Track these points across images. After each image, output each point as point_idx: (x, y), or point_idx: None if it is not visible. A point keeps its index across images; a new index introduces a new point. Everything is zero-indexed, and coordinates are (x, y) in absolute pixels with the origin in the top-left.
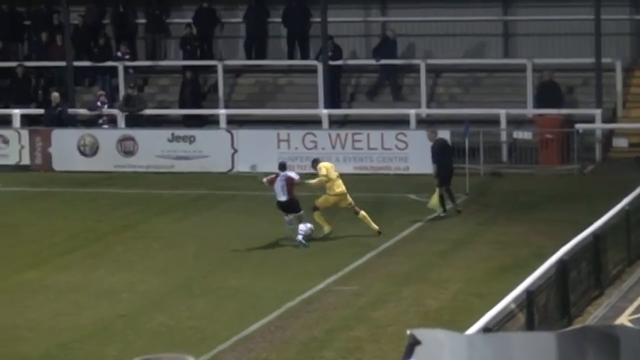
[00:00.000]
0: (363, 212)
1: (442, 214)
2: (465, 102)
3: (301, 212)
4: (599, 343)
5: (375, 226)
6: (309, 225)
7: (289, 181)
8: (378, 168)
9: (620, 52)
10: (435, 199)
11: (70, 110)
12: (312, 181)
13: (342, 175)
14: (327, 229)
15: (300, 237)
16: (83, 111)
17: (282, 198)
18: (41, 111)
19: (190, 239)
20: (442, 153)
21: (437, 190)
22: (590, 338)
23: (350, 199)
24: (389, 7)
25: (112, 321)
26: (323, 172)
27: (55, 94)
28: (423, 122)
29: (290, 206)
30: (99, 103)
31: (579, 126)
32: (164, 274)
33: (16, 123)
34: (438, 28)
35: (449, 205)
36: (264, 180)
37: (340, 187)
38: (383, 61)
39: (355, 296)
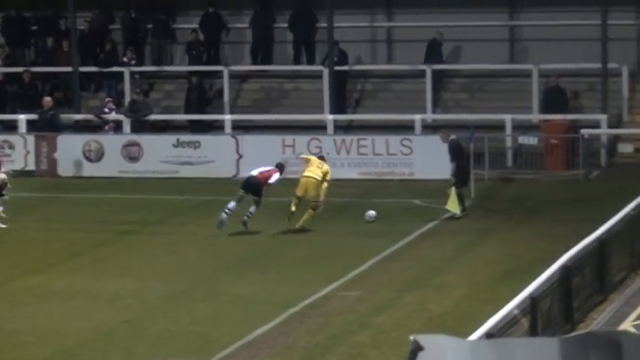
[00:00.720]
0: (311, 211)
1: (459, 215)
2: (471, 107)
3: (260, 199)
4: (602, 349)
5: (300, 224)
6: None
7: (268, 174)
8: (382, 173)
9: (626, 58)
10: (453, 200)
11: (77, 116)
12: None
13: (324, 174)
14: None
15: (246, 217)
16: (87, 116)
17: (254, 173)
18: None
19: (194, 245)
20: (460, 152)
21: (453, 190)
22: (593, 344)
23: (316, 195)
24: (395, 13)
25: (115, 326)
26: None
27: (47, 99)
28: (429, 128)
29: (255, 187)
30: (106, 109)
31: (585, 131)
32: (167, 280)
33: (22, 128)
34: (444, 33)
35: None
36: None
37: (308, 172)
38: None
39: (358, 302)
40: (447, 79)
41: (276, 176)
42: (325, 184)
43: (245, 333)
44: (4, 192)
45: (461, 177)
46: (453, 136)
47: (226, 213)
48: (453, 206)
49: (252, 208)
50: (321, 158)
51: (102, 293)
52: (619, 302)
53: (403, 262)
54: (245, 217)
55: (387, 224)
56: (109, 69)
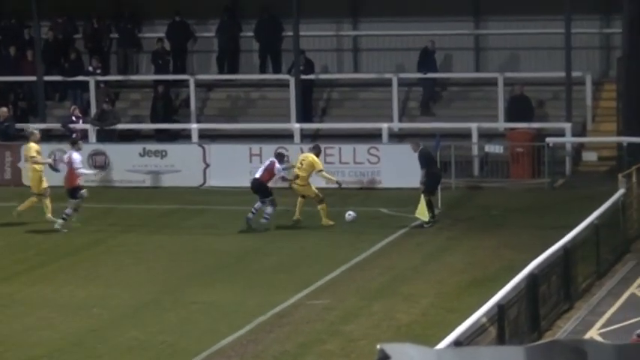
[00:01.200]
0: (322, 206)
1: (428, 223)
2: (438, 115)
3: (270, 198)
4: (567, 357)
5: (322, 223)
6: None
7: (270, 166)
8: (350, 182)
9: (590, 66)
10: (422, 208)
11: (42, 125)
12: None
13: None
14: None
15: (264, 220)
16: (52, 125)
17: (256, 175)
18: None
19: (161, 254)
20: (431, 160)
21: (422, 198)
22: (558, 352)
23: (312, 194)
24: (361, 22)
25: (82, 336)
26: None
27: (3, 109)
28: (395, 136)
29: (259, 189)
30: (73, 118)
31: (550, 140)
32: (135, 289)
33: None
34: (410, 42)
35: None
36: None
37: (296, 180)
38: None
39: (327, 310)
40: (418, 87)
41: (277, 166)
42: (321, 174)
43: (213, 342)
44: None
45: (430, 185)
46: (421, 146)
47: (252, 212)
48: (421, 214)
49: (269, 209)
50: (314, 148)
51: (69, 302)
52: (585, 310)
53: (371, 271)
54: (263, 220)
55: (355, 233)
56: (74, 78)
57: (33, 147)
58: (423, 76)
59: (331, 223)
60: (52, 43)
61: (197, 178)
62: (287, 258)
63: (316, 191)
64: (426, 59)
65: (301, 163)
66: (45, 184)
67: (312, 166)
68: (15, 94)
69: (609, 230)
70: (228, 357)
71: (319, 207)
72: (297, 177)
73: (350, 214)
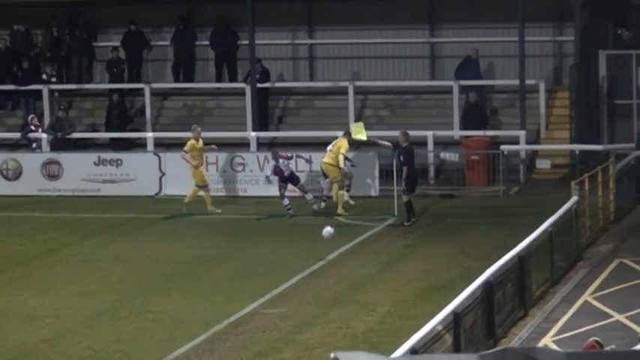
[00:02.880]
0: (339, 192)
1: (407, 224)
2: (393, 124)
3: (300, 184)
4: None
5: (338, 211)
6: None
7: (276, 170)
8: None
9: (543, 74)
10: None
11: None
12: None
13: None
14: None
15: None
16: (5, 135)
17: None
18: None
19: (116, 263)
20: (413, 159)
21: (405, 197)
22: None
23: (335, 175)
24: (316, 30)
25: (35, 345)
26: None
27: None
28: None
29: (292, 179)
30: (32, 127)
31: (504, 147)
32: (89, 298)
33: None
34: (365, 51)
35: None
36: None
37: (324, 159)
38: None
39: (283, 319)
40: (373, 95)
41: (280, 163)
42: (340, 155)
43: (169, 351)
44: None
45: (412, 185)
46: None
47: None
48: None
49: (309, 196)
50: (345, 134)
51: (21, 312)
52: (539, 318)
53: (327, 280)
54: (314, 207)
55: (311, 241)
56: (28, 87)
57: (191, 143)
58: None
59: (345, 213)
60: (4, 51)
61: (153, 187)
62: (243, 267)
63: (341, 176)
64: (469, 67)
65: (333, 145)
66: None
67: (339, 148)
68: None
69: (563, 238)
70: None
71: (338, 192)
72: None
73: (328, 231)
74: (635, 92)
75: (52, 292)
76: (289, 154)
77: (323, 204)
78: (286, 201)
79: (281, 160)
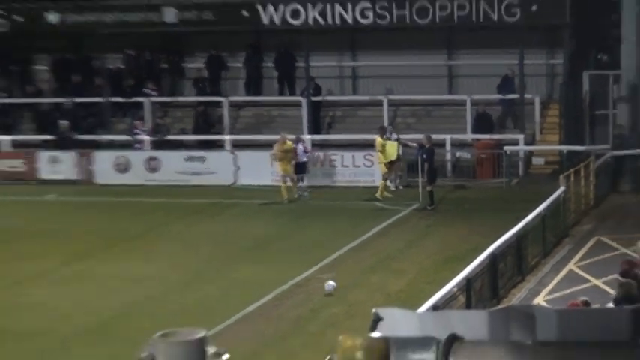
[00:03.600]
0: (381, 182)
1: (430, 208)
2: (418, 129)
3: (301, 175)
4: (519, 319)
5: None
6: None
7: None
8: (349, 181)
9: (539, 89)
10: (381, 190)
11: (106, 137)
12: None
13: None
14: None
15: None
16: (117, 137)
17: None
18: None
19: (203, 238)
20: (433, 156)
21: (429, 187)
22: (513, 315)
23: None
24: (358, 54)
25: (140, 302)
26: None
27: (64, 123)
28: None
29: (300, 166)
30: (137, 131)
31: (507, 148)
32: (182, 266)
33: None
34: (397, 70)
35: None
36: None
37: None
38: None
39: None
40: (403, 106)
41: (298, 148)
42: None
43: (245, 306)
44: None
45: (434, 178)
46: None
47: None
48: (381, 195)
49: (303, 185)
50: (379, 129)
51: (130, 275)
52: (533, 282)
53: (366, 252)
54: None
55: (354, 222)
56: (134, 99)
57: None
58: (503, 97)
59: (381, 198)
60: (116, 71)
61: (229, 179)
62: (301, 241)
63: (386, 170)
64: (506, 84)
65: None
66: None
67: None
68: (86, 111)
69: (552, 219)
70: (257, 317)
71: (381, 182)
72: None
73: (329, 285)
74: (611, 104)
75: (152, 260)
76: (309, 148)
77: (306, 194)
78: (300, 186)
79: (300, 147)
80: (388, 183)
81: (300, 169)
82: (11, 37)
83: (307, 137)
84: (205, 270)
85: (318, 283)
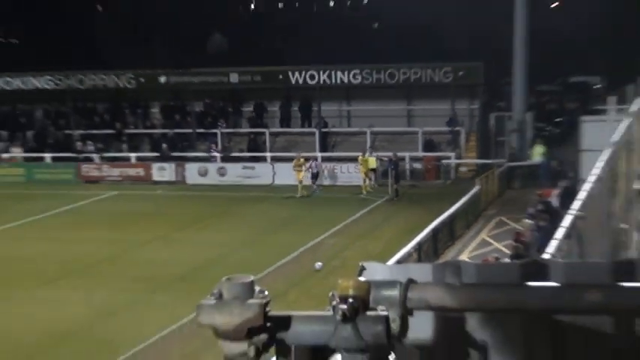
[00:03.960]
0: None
1: (396, 199)
2: (389, 149)
3: (314, 181)
4: (451, 269)
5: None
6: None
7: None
8: (345, 182)
9: (464, 125)
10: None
11: (193, 154)
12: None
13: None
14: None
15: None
16: (200, 154)
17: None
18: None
19: (255, 216)
20: (398, 166)
21: (395, 186)
22: (447, 267)
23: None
24: (351, 102)
25: (210, 261)
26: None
27: (164, 146)
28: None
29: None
30: (212, 150)
31: (444, 161)
32: (241, 234)
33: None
34: (376, 112)
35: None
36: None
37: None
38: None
39: (333, 245)
40: (380, 135)
41: (312, 164)
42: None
43: (278, 260)
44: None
45: (398, 179)
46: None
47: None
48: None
49: (315, 186)
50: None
51: (204, 242)
52: (459, 245)
53: (354, 226)
54: (317, 191)
55: (348, 208)
56: (211, 130)
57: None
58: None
59: (364, 192)
60: (199, 113)
61: (269, 180)
62: (315, 220)
63: (364, 176)
64: (452, 121)
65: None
66: None
67: (364, 161)
68: (181, 138)
69: (472, 206)
70: (288, 265)
71: (365, 184)
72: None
73: (318, 265)
74: (506, 133)
75: (222, 231)
76: (319, 163)
77: (318, 191)
78: (314, 187)
79: (314, 163)
80: (367, 182)
81: (314, 176)
82: (137, 90)
83: (318, 154)
84: (255, 236)
85: (324, 246)
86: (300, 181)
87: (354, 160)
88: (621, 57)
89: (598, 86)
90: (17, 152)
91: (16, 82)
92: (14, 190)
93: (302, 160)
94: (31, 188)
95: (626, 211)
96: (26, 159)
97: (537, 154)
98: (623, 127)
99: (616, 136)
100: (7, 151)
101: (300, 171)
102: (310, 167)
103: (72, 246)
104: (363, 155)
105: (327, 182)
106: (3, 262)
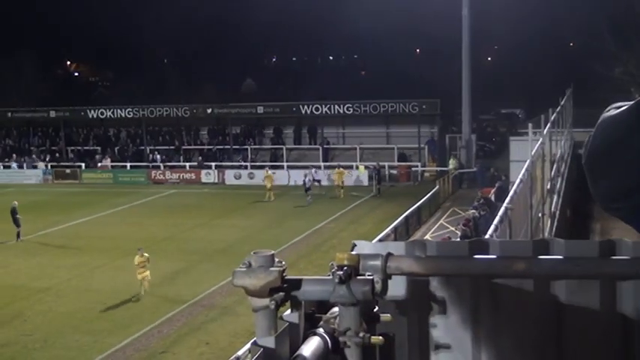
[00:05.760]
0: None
1: (377, 196)
2: (373, 160)
3: (309, 190)
4: (419, 246)
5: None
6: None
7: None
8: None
9: (428, 145)
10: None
11: (230, 163)
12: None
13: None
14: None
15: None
16: (235, 163)
17: (307, 185)
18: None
19: (273, 208)
20: (380, 172)
21: (378, 186)
22: (416, 244)
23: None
24: (346, 127)
25: (237, 240)
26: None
27: (200, 158)
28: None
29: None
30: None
31: (414, 168)
32: (264, 218)
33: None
34: (364, 134)
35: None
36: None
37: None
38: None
39: (331, 229)
40: (367, 150)
41: (314, 175)
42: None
43: (291, 239)
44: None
45: (380, 181)
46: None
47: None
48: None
49: (309, 194)
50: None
51: (233, 226)
52: (424, 229)
53: (346, 216)
54: (309, 200)
55: (343, 202)
56: (244, 147)
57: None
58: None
59: (354, 194)
60: (235, 134)
61: (285, 182)
62: (317, 210)
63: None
64: (430, 142)
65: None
66: None
67: (342, 173)
68: (222, 153)
69: (433, 200)
70: (298, 243)
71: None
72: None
73: (308, 199)
74: (459, 149)
75: (249, 217)
76: (307, 179)
77: (311, 200)
78: (308, 198)
79: (307, 179)
80: (341, 190)
81: (307, 189)
82: (191, 118)
83: (322, 164)
84: (274, 222)
85: (325, 229)
86: (340, 185)
87: (348, 167)
88: (537, 92)
89: (520, 115)
90: (107, 162)
91: (108, 113)
92: (105, 189)
93: (341, 169)
94: (116, 188)
95: (541, 204)
96: (113, 167)
97: (451, 164)
98: (538, 144)
99: (533, 151)
100: (100, 162)
101: (341, 177)
102: (304, 182)
103: (143, 229)
104: (338, 168)
105: (328, 184)
106: (95, 240)
